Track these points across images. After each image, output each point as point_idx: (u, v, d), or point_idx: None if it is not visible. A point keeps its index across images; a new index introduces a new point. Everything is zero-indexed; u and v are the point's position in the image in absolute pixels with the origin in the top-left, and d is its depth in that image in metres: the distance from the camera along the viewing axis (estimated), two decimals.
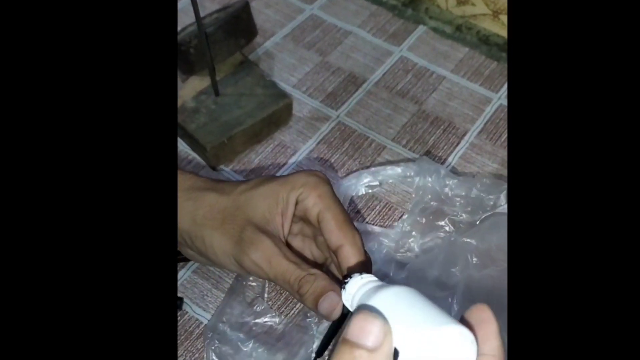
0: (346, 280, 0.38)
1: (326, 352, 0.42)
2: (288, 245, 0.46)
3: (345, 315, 0.41)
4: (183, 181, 0.47)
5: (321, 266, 0.48)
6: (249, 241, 0.43)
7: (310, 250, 0.48)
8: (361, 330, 0.30)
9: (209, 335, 0.49)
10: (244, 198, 0.45)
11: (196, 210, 0.45)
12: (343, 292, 0.38)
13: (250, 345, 0.49)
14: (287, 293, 0.51)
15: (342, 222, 0.44)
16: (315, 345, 0.49)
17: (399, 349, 0.30)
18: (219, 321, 0.51)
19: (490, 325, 0.31)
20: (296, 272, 0.42)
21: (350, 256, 0.43)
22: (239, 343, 0.49)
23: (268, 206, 0.45)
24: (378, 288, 0.35)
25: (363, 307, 0.32)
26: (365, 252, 0.45)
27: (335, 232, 0.43)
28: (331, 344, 0.42)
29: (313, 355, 0.43)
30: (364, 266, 0.43)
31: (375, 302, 0.33)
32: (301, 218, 0.46)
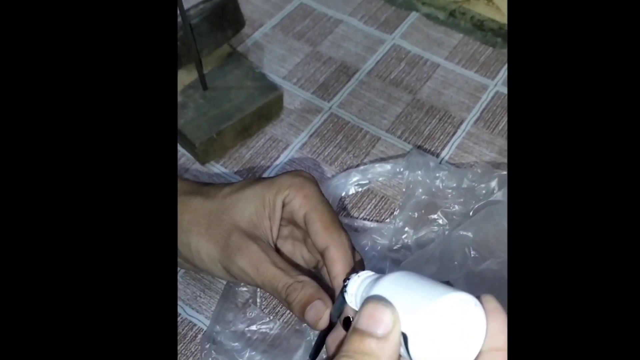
0: (345, 284, 0.37)
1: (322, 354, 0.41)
2: (277, 250, 0.45)
3: (334, 323, 0.40)
4: None
5: (312, 271, 0.47)
6: (236, 247, 0.42)
7: (301, 254, 0.47)
8: (371, 318, 0.30)
9: (207, 347, 0.48)
10: (229, 201, 0.44)
11: (181, 215, 0.44)
12: (345, 295, 0.37)
13: (247, 354, 0.48)
14: None
15: (328, 222, 0.42)
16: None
17: (407, 333, 0.30)
18: (213, 330, 0.49)
19: (499, 317, 0.30)
20: (284, 279, 0.41)
21: (335, 259, 0.41)
22: (235, 353, 0.48)
23: (255, 210, 0.43)
24: (375, 280, 0.35)
25: (372, 297, 0.32)
26: (356, 252, 0.43)
27: (322, 234, 0.42)
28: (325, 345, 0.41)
29: (308, 358, 0.42)
30: (354, 267, 0.42)
31: (375, 293, 0.33)
32: (289, 221, 0.45)
